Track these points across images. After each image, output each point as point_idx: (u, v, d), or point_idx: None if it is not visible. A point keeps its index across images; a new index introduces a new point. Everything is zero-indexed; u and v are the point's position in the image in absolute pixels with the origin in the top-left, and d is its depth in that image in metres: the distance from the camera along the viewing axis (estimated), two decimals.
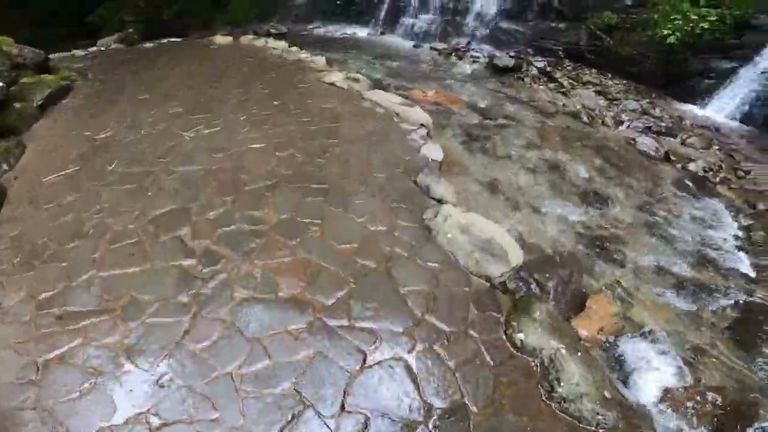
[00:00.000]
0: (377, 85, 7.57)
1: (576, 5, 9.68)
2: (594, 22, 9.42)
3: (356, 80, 6.81)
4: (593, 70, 9.53)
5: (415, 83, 8.39)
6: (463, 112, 7.24)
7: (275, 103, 6.03)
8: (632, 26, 9.11)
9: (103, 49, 8.99)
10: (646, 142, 7.05)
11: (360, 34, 12.08)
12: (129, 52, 8.62)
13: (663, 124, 7.74)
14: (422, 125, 5.51)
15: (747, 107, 8.39)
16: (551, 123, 7.33)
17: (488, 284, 3.44)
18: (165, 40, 9.72)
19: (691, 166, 6.62)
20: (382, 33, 11.94)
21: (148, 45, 9.30)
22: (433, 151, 4.95)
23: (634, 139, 7.12)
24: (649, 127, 7.64)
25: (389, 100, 6.23)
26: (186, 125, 5.42)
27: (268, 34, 11.68)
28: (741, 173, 6.62)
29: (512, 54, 10.05)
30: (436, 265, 3.58)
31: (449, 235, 3.63)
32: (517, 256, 3.53)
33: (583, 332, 3.37)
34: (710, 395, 3.28)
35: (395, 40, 11.51)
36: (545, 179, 5.71)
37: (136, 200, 4.11)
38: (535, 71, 9.36)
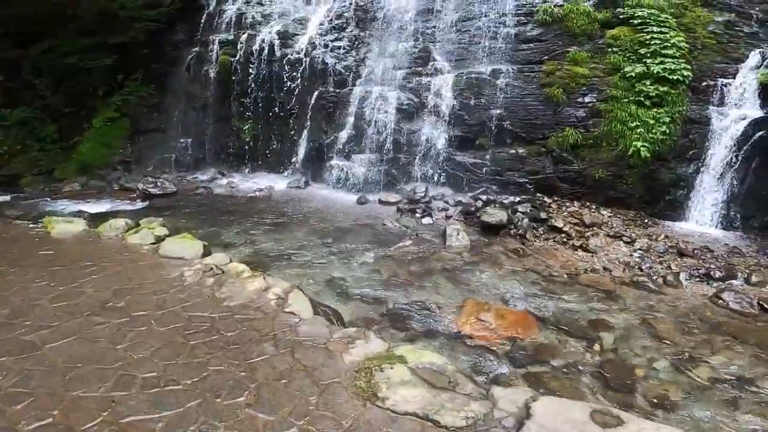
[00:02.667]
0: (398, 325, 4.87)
1: (530, 124, 8.65)
2: (556, 142, 8.44)
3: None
4: (575, 203, 8.47)
5: (424, 289, 5.80)
6: (554, 343, 4.95)
7: None
8: (596, 142, 8.40)
9: None
10: (736, 300, 6.03)
11: (278, 186, 9.37)
12: None
13: (713, 266, 6.91)
14: None
15: (723, 212, 8.29)
16: (636, 306, 5.80)
17: None
18: None
19: None
20: (307, 183, 9.33)
21: None
22: None
23: (718, 297, 6.11)
24: (708, 274, 6.72)
25: None
26: None
27: (147, 197, 8.63)
28: None
29: (482, 197, 8.51)
30: None
31: None
32: None
33: None
34: None
35: (329, 195, 8.97)
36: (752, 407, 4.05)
37: None
38: (526, 221, 7.75)
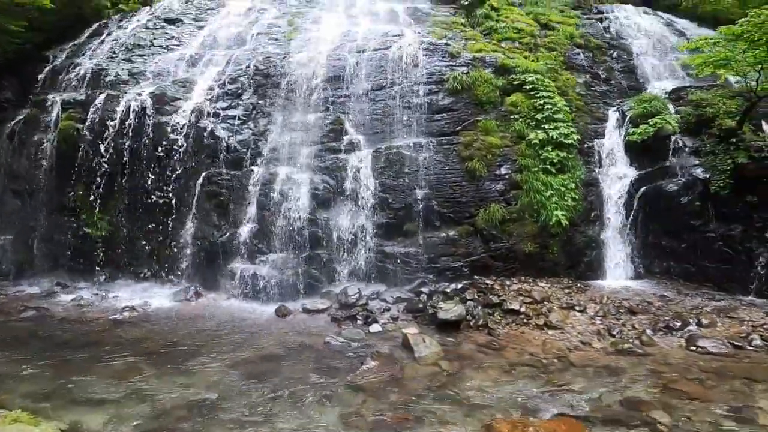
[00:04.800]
0: None
1: (456, 203, 8.46)
2: (484, 220, 8.37)
3: None
4: (513, 280, 8.34)
5: (425, 424, 4.58)
6: None
7: None
8: (519, 215, 8.60)
9: None
10: (712, 345, 6.44)
11: (155, 301, 7.31)
12: None
13: (665, 317, 7.26)
14: None
15: (630, 265, 9.01)
16: (642, 375, 5.67)
17: None
18: None
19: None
20: (198, 294, 7.44)
21: None
22: None
23: (695, 346, 6.48)
24: (668, 326, 7.08)
25: None
26: None
27: None
28: None
29: (423, 289, 7.82)
30: None
31: None
32: None
33: None
34: None
35: (233, 308, 7.22)
36: None
37: None
38: (479, 308, 7.29)
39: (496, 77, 9.43)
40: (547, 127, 8.96)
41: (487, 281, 8.18)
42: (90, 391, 4.84)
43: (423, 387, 5.27)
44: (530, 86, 9.27)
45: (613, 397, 5.07)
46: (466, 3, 12.23)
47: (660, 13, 13.03)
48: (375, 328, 6.76)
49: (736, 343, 6.42)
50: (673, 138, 8.96)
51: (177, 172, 7.80)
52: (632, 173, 9.17)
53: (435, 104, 8.98)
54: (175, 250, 7.72)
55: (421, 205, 8.20)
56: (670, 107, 9.36)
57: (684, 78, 10.73)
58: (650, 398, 5.03)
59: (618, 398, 5.04)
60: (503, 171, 8.70)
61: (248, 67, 9.12)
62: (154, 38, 10.29)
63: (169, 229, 7.78)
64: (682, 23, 12.72)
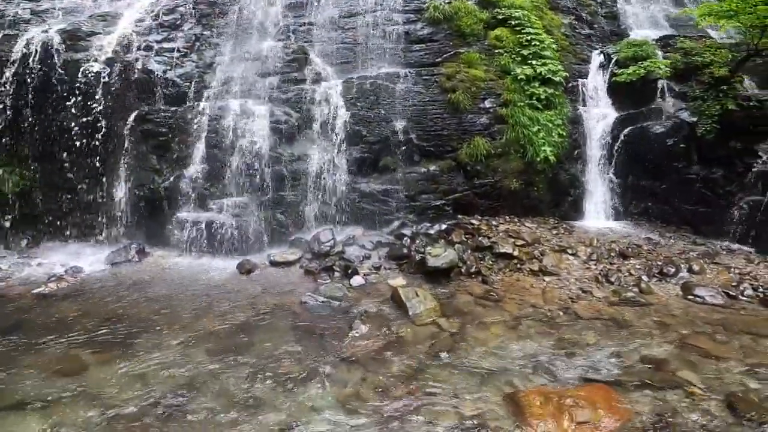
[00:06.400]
0: None
1: (437, 136, 7.75)
2: (467, 155, 7.72)
3: None
4: (499, 220, 7.89)
5: (437, 398, 3.98)
6: (658, 404, 3.93)
7: None
8: (504, 150, 8.00)
9: None
10: (709, 294, 6.16)
11: (89, 265, 6.17)
12: None
13: (657, 262, 6.99)
14: None
15: (611, 205, 8.85)
16: (651, 329, 5.32)
17: None
18: None
19: None
20: (142, 252, 6.32)
21: None
22: None
23: (693, 295, 6.21)
24: (662, 272, 6.79)
25: None
26: None
27: None
28: None
29: (404, 231, 7.17)
30: None
31: None
32: None
33: None
34: None
35: (187, 267, 6.19)
36: None
37: None
38: (469, 253, 6.75)
39: (480, 10, 8.72)
40: (534, 63, 8.31)
41: (473, 221, 7.66)
42: (20, 391, 3.81)
43: (425, 352, 4.63)
44: (516, 21, 8.57)
45: (633, 355, 4.71)
46: None
47: None
48: (357, 280, 5.99)
49: (730, 293, 6.23)
50: (660, 82, 8.60)
51: (101, 113, 6.43)
52: (615, 114, 8.78)
53: (413, 34, 8.19)
54: (108, 201, 6.48)
55: (399, 138, 7.41)
56: (659, 53, 8.97)
57: (666, 28, 10.48)
58: (670, 356, 4.69)
59: (637, 357, 4.69)
60: (488, 104, 8.03)
61: None
62: None
63: (99, 177, 6.50)
64: None
